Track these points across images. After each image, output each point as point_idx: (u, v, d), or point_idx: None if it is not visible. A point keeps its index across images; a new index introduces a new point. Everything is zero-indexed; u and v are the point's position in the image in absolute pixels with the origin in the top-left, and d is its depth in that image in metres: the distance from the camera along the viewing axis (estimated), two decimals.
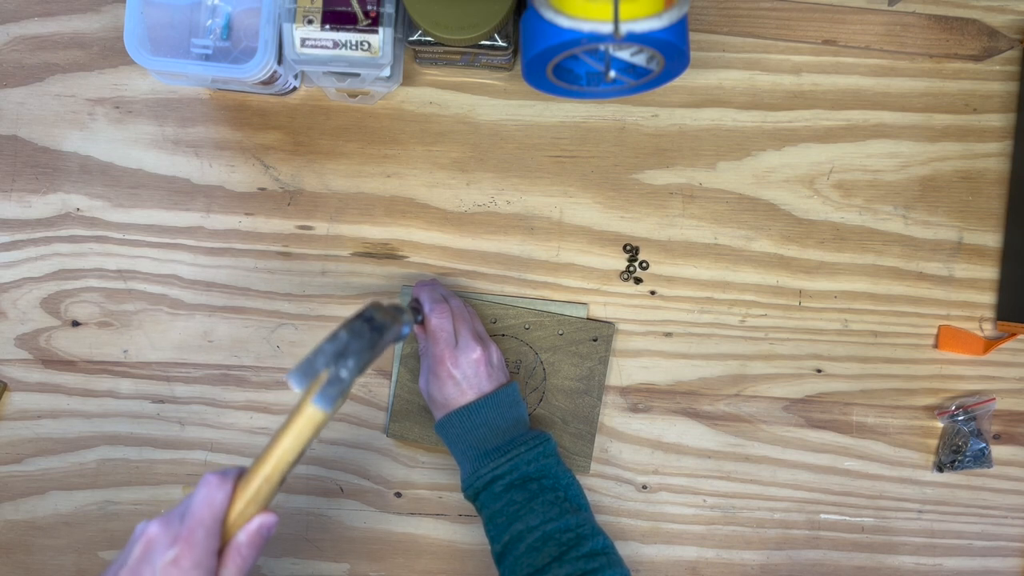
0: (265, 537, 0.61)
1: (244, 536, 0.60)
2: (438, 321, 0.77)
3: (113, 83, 0.87)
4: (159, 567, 0.57)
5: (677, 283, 0.86)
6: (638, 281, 0.86)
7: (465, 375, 0.76)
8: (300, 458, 0.61)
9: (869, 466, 0.86)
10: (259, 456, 0.61)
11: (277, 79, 0.81)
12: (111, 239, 0.87)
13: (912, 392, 0.86)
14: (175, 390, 0.87)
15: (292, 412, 0.61)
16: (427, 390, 0.79)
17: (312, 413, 0.60)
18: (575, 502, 0.75)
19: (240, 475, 0.61)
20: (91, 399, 0.87)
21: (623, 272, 0.86)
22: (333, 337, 0.62)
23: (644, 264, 0.86)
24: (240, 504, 0.60)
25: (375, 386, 0.87)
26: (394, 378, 0.86)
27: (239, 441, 0.87)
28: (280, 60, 0.79)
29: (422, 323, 0.78)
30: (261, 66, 0.77)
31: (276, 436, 0.61)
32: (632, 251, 0.86)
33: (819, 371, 0.86)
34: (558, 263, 0.86)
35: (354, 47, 0.77)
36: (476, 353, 0.77)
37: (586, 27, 0.67)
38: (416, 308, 0.78)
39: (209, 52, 0.81)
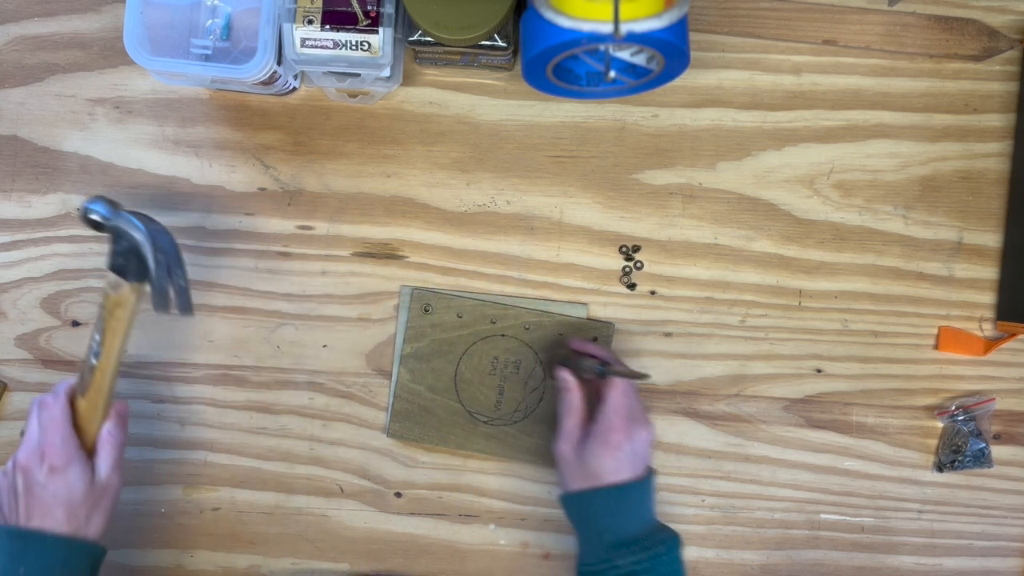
0: (125, 419, 0.75)
1: (108, 426, 0.74)
2: (626, 387, 0.75)
3: (113, 83, 0.87)
4: (43, 480, 0.70)
5: (677, 283, 0.86)
6: (632, 287, 0.86)
7: (634, 451, 0.73)
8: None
9: (869, 466, 0.86)
10: (92, 366, 0.73)
11: (277, 79, 0.81)
12: None
13: (912, 392, 0.86)
14: (175, 390, 0.87)
15: (109, 312, 0.72)
16: (575, 453, 0.75)
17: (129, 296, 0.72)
18: None
19: (70, 388, 0.74)
20: None
21: (622, 275, 0.86)
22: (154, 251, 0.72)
23: (639, 264, 0.86)
24: (89, 408, 0.73)
25: (375, 386, 0.87)
26: (394, 378, 0.86)
27: (239, 441, 0.87)
28: (280, 60, 0.79)
29: (592, 380, 0.76)
30: (261, 66, 0.77)
31: (104, 341, 0.72)
32: (628, 252, 0.86)
33: (819, 371, 0.86)
34: (558, 263, 0.86)
35: (354, 47, 0.77)
36: (648, 432, 0.75)
37: (586, 27, 0.67)
38: (575, 362, 0.77)
39: (209, 52, 0.81)
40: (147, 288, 0.73)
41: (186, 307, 0.74)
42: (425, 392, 0.85)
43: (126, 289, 0.72)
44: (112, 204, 0.73)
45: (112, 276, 0.73)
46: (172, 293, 0.72)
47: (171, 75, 0.81)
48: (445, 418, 0.85)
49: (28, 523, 0.71)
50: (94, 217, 0.73)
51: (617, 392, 0.75)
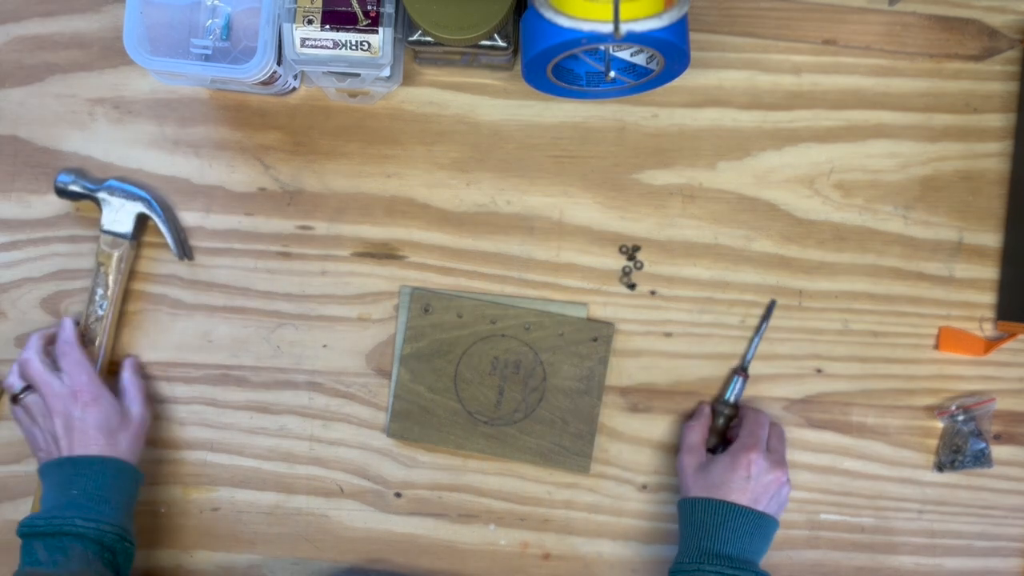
0: (138, 368, 0.84)
1: (125, 375, 0.83)
2: (757, 417, 0.81)
3: (113, 83, 0.87)
4: (80, 414, 0.77)
5: (677, 283, 0.86)
6: (632, 287, 0.86)
7: (759, 483, 0.76)
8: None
9: (869, 466, 0.86)
10: (100, 316, 0.83)
11: (277, 79, 0.81)
12: None
13: (912, 392, 0.86)
14: (175, 390, 0.87)
15: (109, 268, 0.82)
16: (698, 465, 0.79)
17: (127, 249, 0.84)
18: None
19: (76, 322, 0.83)
20: None
21: (622, 275, 0.86)
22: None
23: (639, 264, 0.86)
24: (100, 350, 0.83)
25: (375, 386, 0.87)
26: (394, 378, 0.86)
27: (239, 441, 0.87)
28: (280, 60, 0.79)
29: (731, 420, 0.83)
30: (261, 66, 0.77)
31: (109, 293, 0.83)
32: (628, 251, 0.86)
33: (819, 371, 0.86)
34: (558, 263, 0.86)
35: (354, 47, 0.77)
36: (780, 473, 0.77)
37: (586, 27, 0.67)
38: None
39: (209, 52, 0.81)
40: (135, 244, 0.84)
41: (190, 253, 0.86)
42: (425, 392, 0.85)
43: (126, 246, 0.83)
44: (80, 173, 0.84)
45: (108, 237, 0.83)
46: (184, 241, 0.85)
47: (171, 75, 0.81)
48: (445, 418, 0.85)
49: (72, 453, 0.77)
50: (75, 188, 0.83)
51: (758, 424, 0.80)
